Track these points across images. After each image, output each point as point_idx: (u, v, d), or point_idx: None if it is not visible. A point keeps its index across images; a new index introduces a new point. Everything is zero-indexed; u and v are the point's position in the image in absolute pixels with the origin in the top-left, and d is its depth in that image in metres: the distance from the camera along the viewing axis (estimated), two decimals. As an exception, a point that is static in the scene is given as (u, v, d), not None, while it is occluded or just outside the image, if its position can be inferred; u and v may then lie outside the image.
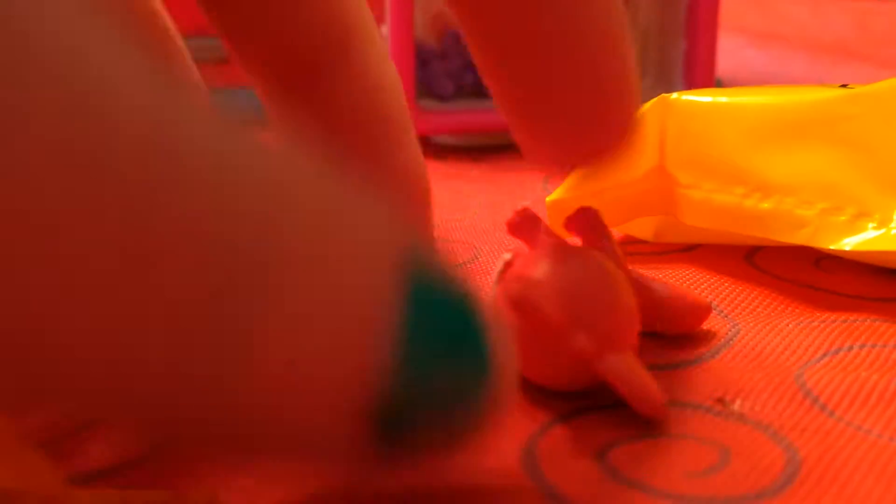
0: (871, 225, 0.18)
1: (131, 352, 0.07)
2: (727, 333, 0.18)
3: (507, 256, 0.15)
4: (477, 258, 0.23)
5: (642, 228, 0.24)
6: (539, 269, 0.13)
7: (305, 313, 0.08)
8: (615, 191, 0.22)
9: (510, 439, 0.13)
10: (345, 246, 0.08)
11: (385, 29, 0.32)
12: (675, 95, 0.22)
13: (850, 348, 0.17)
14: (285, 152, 0.08)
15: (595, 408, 0.14)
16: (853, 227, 0.18)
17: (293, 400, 0.08)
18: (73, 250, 0.07)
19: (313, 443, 0.08)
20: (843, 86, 0.20)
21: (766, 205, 0.19)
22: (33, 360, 0.07)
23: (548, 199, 0.21)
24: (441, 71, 0.35)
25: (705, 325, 0.18)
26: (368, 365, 0.08)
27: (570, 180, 0.22)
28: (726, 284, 0.20)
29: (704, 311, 0.17)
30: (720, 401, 0.15)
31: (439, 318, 0.09)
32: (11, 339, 0.07)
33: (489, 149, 0.37)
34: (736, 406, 0.15)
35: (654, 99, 0.22)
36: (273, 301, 0.08)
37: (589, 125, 0.13)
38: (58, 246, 0.07)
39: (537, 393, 0.15)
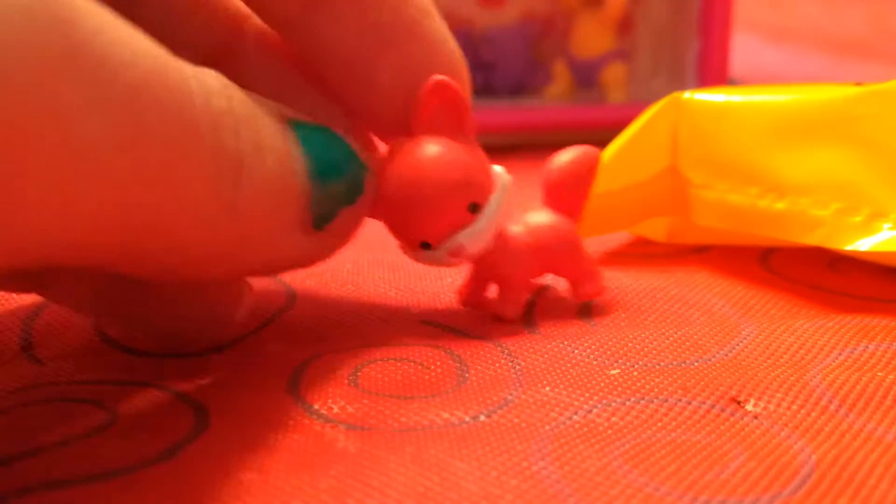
0: (886, 225, 0.18)
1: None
2: (741, 333, 0.17)
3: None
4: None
5: (654, 229, 0.24)
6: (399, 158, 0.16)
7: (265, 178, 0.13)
8: (627, 191, 0.22)
9: (523, 439, 0.13)
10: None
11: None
12: (687, 94, 0.21)
13: (866, 348, 0.17)
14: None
15: (606, 406, 0.14)
16: (868, 227, 0.18)
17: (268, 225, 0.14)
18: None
19: (278, 246, 0.14)
20: (858, 84, 0.20)
21: (780, 205, 0.19)
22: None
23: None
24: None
25: (718, 327, 0.18)
26: (302, 191, 0.14)
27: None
28: (739, 288, 0.20)
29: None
30: (734, 401, 0.15)
31: (330, 152, 0.15)
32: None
33: (496, 149, 0.37)
34: (750, 406, 0.14)
35: (667, 98, 0.22)
36: (248, 176, 0.13)
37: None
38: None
39: (549, 392, 0.15)
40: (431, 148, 0.16)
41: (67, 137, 0.10)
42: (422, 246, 0.16)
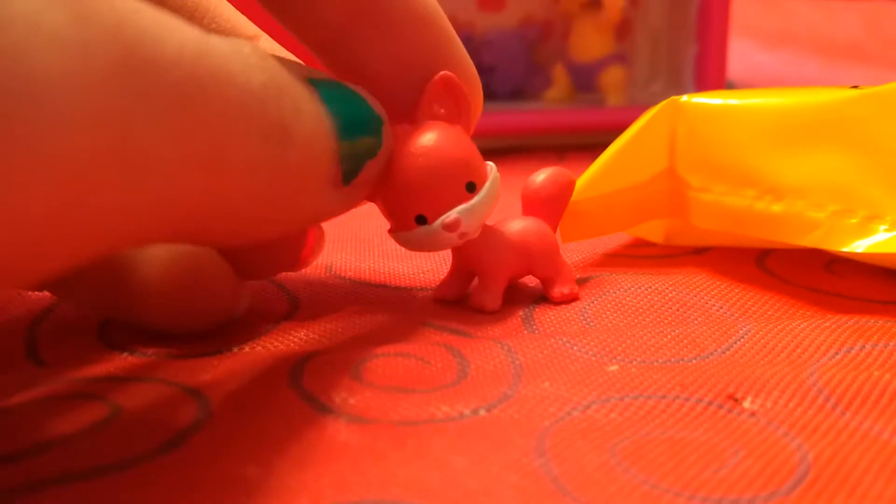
0: (882, 227, 0.18)
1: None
2: (738, 332, 0.18)
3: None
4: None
5: (652, 231, 0.24)
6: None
7: (307, 139, 0.14)
8: (625, 193, 0.22)
9: (522, 434, 0.14)
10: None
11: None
12: (685, 98, 0.22)
13: (863, 347, 0.17)
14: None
15: (605, 402, 0.15)
16: (865, 229, 0.18)
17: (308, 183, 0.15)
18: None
19: (315, 204, 0.15)
20: (854, 87, 0.20)
21: (777, 207, 0.19)
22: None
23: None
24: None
25: (715, 326, 0.18)
26: (333, 149, 0.15)
27: (581, 184, 0.22)
28: (737, 289, 0.20)
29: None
30: (732, 398, 0.15)
31: (353, 111, 0.15)
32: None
33: (496, 152, 0.37)
34: (747, 404, 0.15)
35: (665, 101, 0.22)
36: (293, 140, 0.14)
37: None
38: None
39: (548, 387, 0.15)
40: (437, 129, 0.17)
41: (123, 138, 0.10)
42: (417, 221, 0.17)
